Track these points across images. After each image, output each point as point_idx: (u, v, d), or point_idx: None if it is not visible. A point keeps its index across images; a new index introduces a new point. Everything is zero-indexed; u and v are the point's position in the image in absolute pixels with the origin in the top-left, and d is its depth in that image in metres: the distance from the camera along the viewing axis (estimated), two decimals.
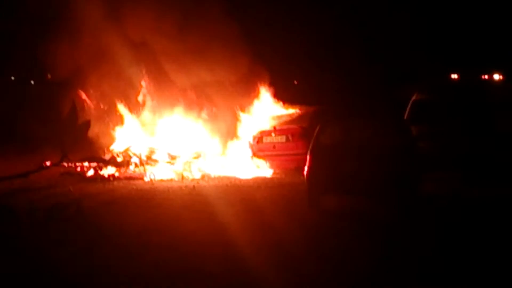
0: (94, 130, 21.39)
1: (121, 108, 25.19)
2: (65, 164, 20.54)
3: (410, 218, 14.34)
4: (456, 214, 14.89)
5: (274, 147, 23.02)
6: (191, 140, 24.32)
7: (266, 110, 25.46)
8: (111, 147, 24.30)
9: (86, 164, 22.37)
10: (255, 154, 23.20)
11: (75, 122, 4.98)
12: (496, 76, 32.82)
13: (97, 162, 22.05)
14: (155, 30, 23.95)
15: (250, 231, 13.40)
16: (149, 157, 23.55)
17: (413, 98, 21.06)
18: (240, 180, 21.13)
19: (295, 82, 40.35)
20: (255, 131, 23.82)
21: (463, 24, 35.73)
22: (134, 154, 23.53)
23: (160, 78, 25.09)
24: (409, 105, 20.76)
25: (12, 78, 38.64)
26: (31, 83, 44.39)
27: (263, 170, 22.64)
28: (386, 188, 14.72)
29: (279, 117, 24.62)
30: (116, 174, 22.56)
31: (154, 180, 21.75)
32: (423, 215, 14.65)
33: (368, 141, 15.68)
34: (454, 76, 38.04)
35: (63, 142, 4.77)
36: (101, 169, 22.70)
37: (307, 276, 10.43)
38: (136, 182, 21.47)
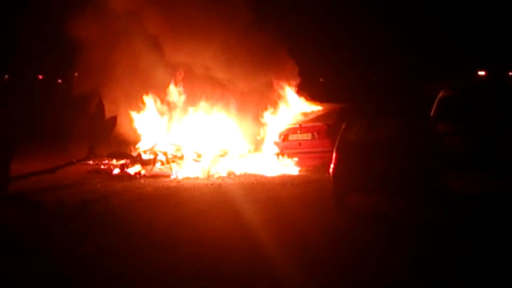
0: (121, 127, 21.46)
1: (148, 105, 25.27)
2: (91, 161, 20.64)
3: (440, 216, 14.23)
4: (486, 212, 14.75)
5: (299, 144, 22.99)
6: (217, 138, 24.33)
7: (292, 108, 25.42)
8: (137, 145, 24.39)
9: (114, 162, 22.48)
10: (281, 152, 23.18)
11: (102, 119, 5.02)
12: None
13: (124, 158, 22.12)
14: (184, 28, 23.98)
15: (275, 229, 13.38)
16: (175, 155, 23.61)
17: (440, 95, 20.95)
18: (266, 178, 21.12)
19: (321, 79, 40.33)
20: (281, 129, 23.79)
21: (491, 21, 35.49)
22: (160, 152, 23.60)
23: (187, 75, 25.12)
24: (436, 102, 20.65)
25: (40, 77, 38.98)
26: (58, 81, 44.76)
27: (289, 167, 22.60)
28: (414, 186, 14.64)
29: (304, 114, 24.57)
30: (143, 172, 22.63)
31: (180, 178, 21.79)
32: (453, 213, 14.55)
33: (395, 139, 15.61)
34: (481, 73, 37.83)
35: (90, 138, 4.82)
36: (127, 167, 22.79)
37: (332, 275, 10.41)
38: (163, 179, 21.53)
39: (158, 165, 23.34)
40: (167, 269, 10.57)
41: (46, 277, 8.61)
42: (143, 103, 25.11)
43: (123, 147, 21.90)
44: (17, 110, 4.12)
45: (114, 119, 4.08)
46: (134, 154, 23.59)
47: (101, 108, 4.06)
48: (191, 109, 25.15)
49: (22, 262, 6.58)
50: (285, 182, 20.01)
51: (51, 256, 6.30)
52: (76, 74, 29.82)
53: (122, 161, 22.79)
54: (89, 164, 21.46)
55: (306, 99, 25.83)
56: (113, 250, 10.99)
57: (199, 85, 24.90)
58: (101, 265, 9.77)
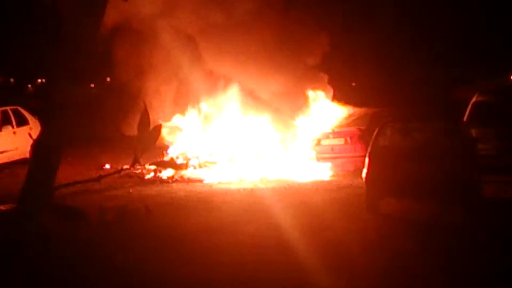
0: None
1: (181, 109, 25.38)
2: (137, 169, 20.77)
3: (473, 221, 14.15)
4: None
5: (332, 149, 22.95)
6: (249, 143, 24.34)
7: (325, 112, 25.39)
8: (169, 149, 24.47)
9: (150, 167, 22.55)
10: (313, 157, 23.15)
11: (147, 127, 5.04)
12: None
13: (169, 167, 22.21)
14: (217, 31, 24.03)
15: (308, 235, 13.38)
16: (207, 160, 23.64)
17: (474, 99, 20.82)
18: (298, 183, 21.09)
19: (353, 84, 40.27)
20: (313, 134, 23.77)
21: None
22: (193, 156, 23.66)
23: (218, 80, 25.17)
24: (469, 107, 20.53)
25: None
26: (91, 86, 45.11)
27: (322, 172, 22.56)
28: (449, 190, 14.58)
29: (338, 119, 24.53)
30: (175, 177, 22.70)
31: (213, 183, 21.82)
32: (487, 218, 14.46)
33: (428, 144, 15.57)
34: None
35: (135, 147, 4.86)
36: (160, 171, 22.86)
37: (365, 280, 10.40)
38: (195, 184, 21.58)
39: (190, 169, 23.38)
40: (203, 276, 10.61)
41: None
42: (183, 112, 25.27)
43: (156, 152, 21.94)
44: (65, 119, 4.17)
45: (159, 128, 4.12)
46: (167, 158, 23.65)
47: (146, 116, 4.10)
48: (224, 113, 25.17)
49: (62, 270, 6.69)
50: (317, 187, 19.98)
51: (88, 267, 6.39)
52: (108, 79, 30.04)
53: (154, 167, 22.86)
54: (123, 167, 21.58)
55: (339, 103, 25.79)
56: (152, 258, 11.06)
57: (232, 91, 24.94)
58: (140, 274, 9.86)
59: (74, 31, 4.22)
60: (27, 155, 23.84)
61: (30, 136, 23.85)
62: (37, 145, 4.21)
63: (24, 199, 4.07)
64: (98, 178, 4.66)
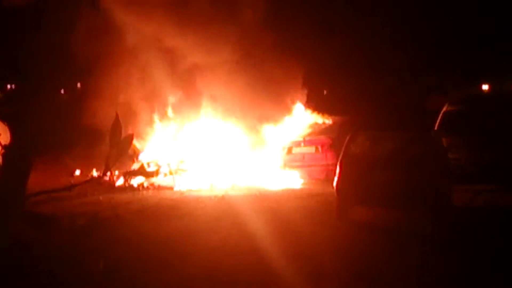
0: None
1: (151, 117, 25.31)
2: (107, 177, 20.69)
3: (443, 230, 14.21)
4: (489, 225, 14.74)
5: (303, 157, 23.03)
6: (220, 150, 24.32)
7: (296, 120, 25.44)
8: (140, 157, 24.39)
9: (116, 173, 22.46)
10: (284, 165, 23.19)
11: (119, 136, 4.99)
12: None
13: (142, 176, 22.16)
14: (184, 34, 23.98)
15: (279, 241, 13.38)
16: (178, 167, 23.62)
17: (444, 109, 20.94)
18: (270, 190, 21.11)
19: (324, 92, 40.32)
20: (284, 142, 23.80)
21: (494, 33, 35.50)
22: (163, 163, 23.61)
23: (188, 87, 25.11)
24: (440, 116, 20.63)
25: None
26: (60, 92, 44.75)
27: (292, 180, 22.60)
28: (419, 199, 14.64)
29: (308, 127, 24.58)
30: (145, 184, 22.64)
31: (183, 190, 21.78)
32: (457, 226, 14.54)
33: (398, 152, 15.62)
34: (485, 87, 37.80)
35: (107, 155, 4.81)
36: (130, 179, 22.79)
37: (334, 284, 10.44)
38: (166, 191, 21.52)
39: (161, 176, 23.34)
40: (174, 282, 10.59)
41: None
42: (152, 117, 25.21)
43: (127, 160, 21.91)
44: (35, 126, 4.14)
45: (131, 137, 4.11)
46: (137, 165, 23.59)
47: (118, 125, 4.08)
48: (193, 121, 25.13)
49: (34, 279, 6.63)
50: (288, 195, 20.01)
51: (63, 273, 6.35)
52: (78, 85, 29.88)
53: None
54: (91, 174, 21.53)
55: (311, 111, 25.84)
56: (122, 266, 10.99)
57: (203, 94, 24.89)
58: (110, 281, 9.81)
59: (47, 35, 4.20)
60: None
61: (0, 144, 23.76)
62: (7, 152, 4.17)
63: None
64: (69, 187, 4.64)
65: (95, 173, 21.42)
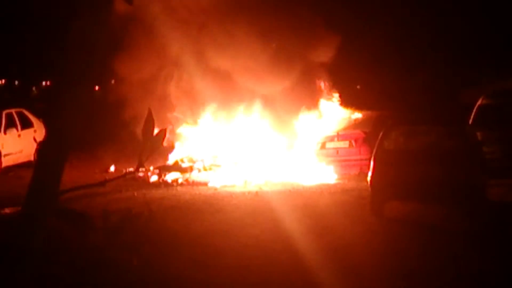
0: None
1: (186, 113, 25.39)
2: (141, 173, 20.80)
3: (480, 225, 14.10)
4: None
5: (337, 152, 22.94)
6: (254, 146, 24.33)
7: (329, 115, 25.37)
8: (174, 153, 24.47)
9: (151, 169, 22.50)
10: (318, 160, 23.13)
11: (152, 131, 4.98)
12: None
13: (174, 171, 22.21)
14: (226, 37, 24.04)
15: (313, 237, 13.38)
16: (212, 163, 23.65)
17: (479, 102, 20.79)
18: (303, 186, 21.07)
19: (358, 87, 40.24)
20: (318, 136, 23.74)
21: None
22: (198, 159, 23.66)
23: (223, 84, 25.13)
24: (475, 110, 20.49)
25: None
26: (95, 89, 45.10)
27: (326, 175, 22.53)
28: (454, 194, 14.55)
29: (342, 121, 24.50)
30: (180, 180, 22.70)
31: (217, 186, 21.81)
32: (492, 221, 14.42)
33: (433, 147, 15.55)
34: None
35: (140, 151, 4.81)
36: (164, 175, 22.85)
37: (370, 283, 10.40)
38: (200, 187, 21.57)
39: (195, 172, 23.38)
40: (210, 279, 10.63)
41: None
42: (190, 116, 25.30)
43: (161, 154, 21.94)
44: (71, 121, 4.15)
45: (163, 132, 4.10)
46: (171, 162, 23.64)
47: (150, 120, 4.08)
48: (228, 117, 25.15)
49: (66, 277, 6.70)
50: (322, 190, 19.95)
51: (95, 271, 6.39)
52: (113, 81, 30.02)
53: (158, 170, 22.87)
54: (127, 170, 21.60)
55: (344, 106, 25.76)
56: (157, 262, 11.05)
57: (237, 93, 24.89)
58: (145, 277, 9.87)
59: (80, 31, 4.20)
60: (31, 158, 23.87)
61: (35, 140, 23.88)
62: (42, 148, 4.19)
63: (29, 202, 4.05)
64: (103, 183, 4.64)
65: (129, 169, 21.55)
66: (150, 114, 4.06)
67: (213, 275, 10.93)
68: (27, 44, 40.80)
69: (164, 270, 10.94)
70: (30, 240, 3.97)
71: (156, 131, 4.07)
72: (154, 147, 4.00)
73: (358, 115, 24.95)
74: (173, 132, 24.08)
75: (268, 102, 24.98)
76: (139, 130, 4.06)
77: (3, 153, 23.81)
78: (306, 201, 17.97)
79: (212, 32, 24.07)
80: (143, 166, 4.01)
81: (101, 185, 4.59)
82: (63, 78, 4.26)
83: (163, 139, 4.02)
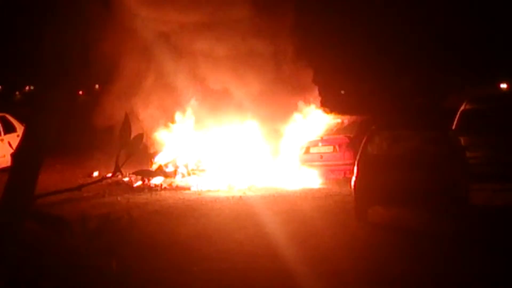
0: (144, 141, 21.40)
1: (169, 118, 25.33)
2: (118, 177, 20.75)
3: (463, 229, 14.13)
4: (508, 225, 14.65)
5: (321, 157, 22.91)
6: (238, 151, 24.29)
7: (313, 120, 25.34)
8: (157, 158, 24.39)
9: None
10: (302, 164, 23.10)
11: (129, 135, 4.95)
12: None
13: (151, 176, 22.16)
14: (207, 40, 23.98)
15: (296, 242, 13.37)
16: (195, 167, 23.61)
17: (462, 108, 20.85)
18: (287, 191, 21.05)
19: (342, 92, 40.30)
20: (302, 141, 23.72)
21: None
22: (181, 164, 23.61)
23: (206, 88, 25.09)
24: (458, 115, 20.54)
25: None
26: (79, 94, 45.00)
27: (310, 180, 22.52)
28: (437, 198, 14.57)
29: (326, 126, 24.48)
30: (164, 185, 22.64)
31: (201, 191, 21.77)
32: (475, 226, 14.44)
33: (416, 152, 15.57)
34: (503, 85, 37.64)
35: (117, 155, 4.77)
36: (148, 179, 22.78)
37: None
38: (183, 192, 21.52)
39: (179, 177, 23.34)
40: (190, 284, 10.59)
41: None
42: (172, 120, 25.23)
43: (144, 160, 21.85)
44: (46, 125, 4.12)
45: (141, 136, 4.07)
46: (155, 166, 23.57)
47: (127, 125, 4.05)
48: (211, 121, 25.10)
49: (43, 282, 6.64)
50: (306, 195, 19.94)
51: (73, 276, 6.36)
52: (97, 86, 29.97)
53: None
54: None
55: (328, 111, 25.75)
56: (137, 266, 11.00)
57: (219, 97, 24.86)
58: (124, 282, 9.80)
59: (54, 37, 4.17)
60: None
61: (10, 145, 23.82)
62: (17, 153, 4.18)
63: (4, 207, 4.02)
64: (79, 188, 4.61)
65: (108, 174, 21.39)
66: (127, 119, 4.03)
67: (195, 279, 10.89)
68: (10, 49, 40.64)
69: (144, 275, 10.87)
70: (5, 243, 3.94)
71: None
72: (131, 151, 3.98)
73: (342, 119, 24.93)
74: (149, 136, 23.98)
75: (253, 106, 24.94)
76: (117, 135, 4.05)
77: None
78: (290, 206, 17.95)
79: (191, 35, 24.01)
80: (119, 171, 3.99)
81: (76, 190, 4.56)
82: (39, 82, 4.23)
83: (140, 143, 4.00)
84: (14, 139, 24.59)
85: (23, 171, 4.07)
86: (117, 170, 4.02)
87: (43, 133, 4.10)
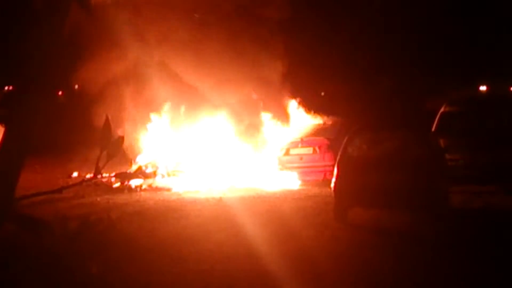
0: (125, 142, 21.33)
1: (148, 120, 25.28)
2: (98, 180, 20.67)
3: (442, 231, 14.18)
4: (487, 227, 14.73)
5: (301, 158, 22.96)
6: (217, 152, 24.28)
7: (293, 122, 25.38)
8: (137, 159, 24.35)
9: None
10: (282, 166, 23.13)
11: (109, 138, 4.93)
12: None
13: (131, 178, 22.08)
14: (180, 42, 23.94)
15: (276, 243, 13.37)
16: (175, 168, 23.59)
17: (442, 110, 20.93)
18: (267, 192, 21.07)
19: (322, 93, 40.30)
20: (282, 143, 23.75)
21: (492, 35, 35.51)
22: (161, 165, 23.58)
23: (185, 90, 25.04)
24: (438, 117, 20.62)
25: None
26: (58, 94, 44.66)
27: (290, 182, 22.55)
28: (416, 200, 14.62)
29: (306, 128, 24.53)
30: (143, 186, 22.59)
31: (181, 192, 21.74)
32: (454, 228, 14.51)
33: (396, 153, 15.61)
34: (483, 88, 37.82)
35: (98, 157, 4.77)
36: (128, 180, 22.70)
37: None
38: (163, 193, 21.48)
39: (158, 178, 23.30)
40: (170, 285, 10.57)
41: None
42: (148, 120, 25.16)
43: (123, 160, 21.80)
44: (26, 126, 4.10)
45: (121, 139, 4.06)
46: (135, 167, 23.52)
47: (108, 127, 4.03)
48: (191, 123, 25.08)
49: (25, 282, 6.62)
50: (286, 196, 19.97)
51: (52, 277, 6.33)
52: (76, 86, 29.83)
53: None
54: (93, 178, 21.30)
55: (307, 112, 25.79)
56: (117, 269, 10.95)
57: (199, 99, 24.83)
58: (104, 284, 9.77)
59: (36, 39, 4.15)
60: None
61: None
62: None
63: None
64: (60, 190, 4.59)
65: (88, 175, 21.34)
66: (107, 121, 4.02)
67: (175, 280, 10.87)
68: None
69: (124, 276, 10.83)
70: None
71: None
72: (112, 154, 3.96)
73: (323, 120, 24.97)
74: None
75: (232, 108, 24.94)
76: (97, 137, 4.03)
77: None
78: (269, 207, 17.98)
79: (172, 38, 23.97)
80: (100, 173, 3.97)
81: (57, 192, 4.54)
82: (20, 82, 4.21)
83: (121, 146, 3.98)
84: None
85: (4, 173, 4.04)
86: (98, 172, 4.00)
87: (24, 134, 4.08)
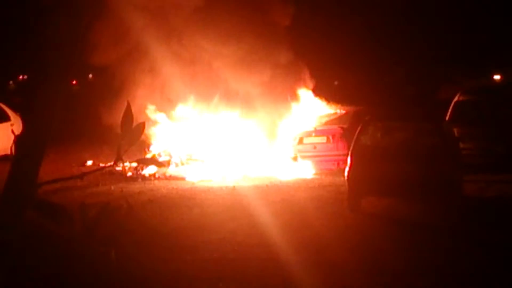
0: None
1: (163, 108, 25.33)
2: (119, 167, 20.77)
3: (455, 220, 14.20)
4: (501, 216, 14.74)
5: (314, 147, 22.96)
6: (231, 141, 24.30)
7: (307, 111, 25.38)
8: (151, 147, 24.41)
9: (132, 164, 22.32)
10: (295, 155, 23.15)
11: (130, 125, 4.96)
12: None
13: (153, 164, 22.15)
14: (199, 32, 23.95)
15: (289, 232, 13.41)
16: (189, 157, 23.64)
17: (456, 99, 20.92)
18: (280, 181, 21.10)
19: (336, 82, 40.31)
20: (296, 132, 23.76)
21: (507, 24, 35.39)
22: (175, 154, 23.63)
23: (201, 78, 25.08)
24: (452, 106, 20.61)
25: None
26: (73, 83, 44.84)
27: (304, 171, 22.57)
28: (430, 189, 14.62)
29: (320, 117, 24.54)
30: (157, 174, 22.65)
31: (195, 180, 21.79)
32: (468, 217, 14.52)
33: (410, 142, 15.62)
34: (497, 77, 37.72)
35: (119, 144, 4.80)
36: (142, 169, 22.79)
37: (345, 277, 10.44)
38: (177, 182, 21.54)
39: (172, 167, 23.36)
40: (184, 272, 10.65)
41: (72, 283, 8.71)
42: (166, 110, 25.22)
43: (139, 149, 21.90)
44: (49, 115, 4.16)
45: (142, 126, 4.11)
46: (149, 155, 23.59)
47: (129, 113, 4.08)
48: (206, 112, 25.11)
49: (45, 270, 6.72)
50: (299, 185, 19.99)
51: (75, 262, 6.42)
52: (90, 75, 29.93)
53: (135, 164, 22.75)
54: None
55: (322, 101, 25.79)
56: (133, 255, 11.03)
57: (215, 87, 24.86)
58: (122, 270, 9.87)
59: (57, 32, 4.21)
60: (8, 152, 23.67)
61: (13, 132, 23.80)
62: (20, 142, 4.21)
63: (7, 196, 4.06)
64: (81, 176, 4.64)
65: (109, 163, 21.36)
66: (128, 107, 4.06)
67: (188, 268, 10.94)
68: (3, 39, 40.51)
69: (140, 263, 10.93)
70: (7, 232, 3.98)
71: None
72: (133, 140, 4.01)
73: (336, 110, 24.98)
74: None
75: (246, 96, 24.96)
76: (117, 124, 4.07)
77: None
78: (283, 196, 18.00)
79: (188, 23, 23.99)
80: (121, 160, 4.02)
81: (79, 178, 4.60)
82: (41, 74, 4.28)
83: (142, 132, 4.03)
84: (7, 128, 24.56)
85: (26, 160, 4.11)
86: (119, 159, 4.05)
87: (45, 123, 4.14)
